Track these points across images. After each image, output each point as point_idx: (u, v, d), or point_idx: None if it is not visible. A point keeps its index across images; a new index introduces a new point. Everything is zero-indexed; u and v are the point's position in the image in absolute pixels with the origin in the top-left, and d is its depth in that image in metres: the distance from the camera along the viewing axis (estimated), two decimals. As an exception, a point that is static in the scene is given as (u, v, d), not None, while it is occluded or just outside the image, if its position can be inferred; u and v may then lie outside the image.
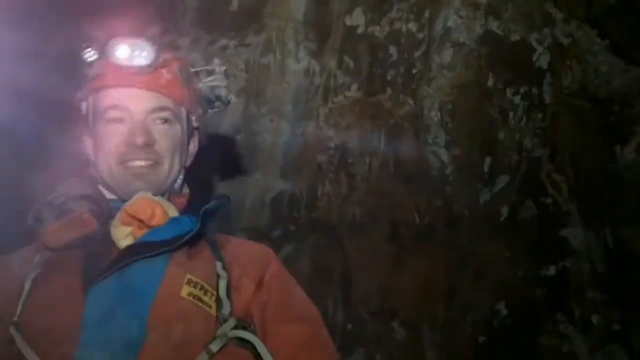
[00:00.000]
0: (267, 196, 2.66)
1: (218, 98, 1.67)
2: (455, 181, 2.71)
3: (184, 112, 1.56)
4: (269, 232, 2.63)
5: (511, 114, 2.75)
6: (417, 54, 2.73)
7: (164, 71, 1.51)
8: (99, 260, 1.36)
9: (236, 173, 2.57)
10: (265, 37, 2.65)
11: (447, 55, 2.74)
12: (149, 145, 1.47)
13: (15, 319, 1.32)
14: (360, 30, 2.71)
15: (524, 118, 2.75)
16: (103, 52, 1.49)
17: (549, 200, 2.73)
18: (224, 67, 1.67)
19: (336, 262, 2.65)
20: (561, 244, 2.72)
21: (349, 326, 2.61)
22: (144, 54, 1.47)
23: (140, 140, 1.45)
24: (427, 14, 2.73)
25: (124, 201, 1.45)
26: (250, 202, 2.63)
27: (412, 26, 2.72)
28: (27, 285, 1.36)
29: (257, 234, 2.52)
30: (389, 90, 2.72)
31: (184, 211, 1.51)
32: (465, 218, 2.70)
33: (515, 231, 2.71)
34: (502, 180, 2.72)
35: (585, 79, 2.77)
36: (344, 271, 2.65)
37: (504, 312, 2.67)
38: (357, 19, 2.71)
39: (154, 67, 1.48)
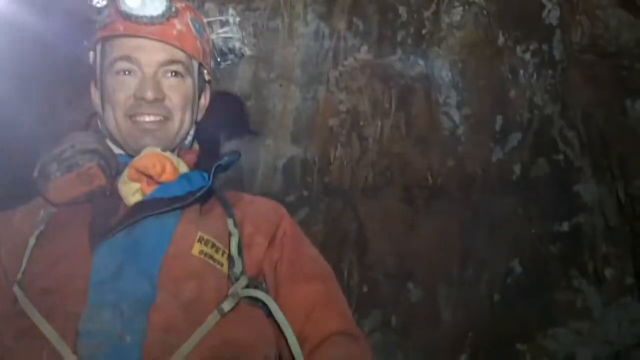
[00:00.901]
0: (279, 162, 2.57)
1: (232, 50, 1.53)
2: (468, 141, 2.62)
3: (195, 64, 1.43)
4: (283, 197, 2.52)
5: (522, 71, 2.65)
6: (427, 14, 2.62)
7: (175, 22, 1.37)
8: (107, 216, 1.25)
9: (247, 139, 2.45)
10: (273, 0, 2.51)
11: (457, 14, 2.64)
12: (158, 100, 1.33)
13: (18, 276, 1.21)
14: (369, -9, 2.59)
15: (535, 75, 2.65)
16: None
17: (560, 157, 2.65)
18: (238, 18, 1.53)
19: (350, 225, 2.57)
20: (574, 199, 2.64)
21: (365, 288, 2.53)
22: (156, 3, 1.33)
23: (149, 95, 1.32)
24: (435, -27, 2.63)
25: (132, 156, 1.33)
26: (262, 168, 2.53)
27: (422, -14, 2.62)
28: (31, 242, 1.25)
29: (271, 200, 2.41)
30: (399, 52, 2.61)
31: (194, 167, 1.39)
32: (478, 177, 2.62)
33: (528, 188, 2.64)
34: (514, 138, 2.63)
35: (594, 34, 2.67)
36: (358, 234, 2.56)
37: (518, 269, 2.60)
38: (365, -21, 2.59)
39: (165, 17, 1.34)
